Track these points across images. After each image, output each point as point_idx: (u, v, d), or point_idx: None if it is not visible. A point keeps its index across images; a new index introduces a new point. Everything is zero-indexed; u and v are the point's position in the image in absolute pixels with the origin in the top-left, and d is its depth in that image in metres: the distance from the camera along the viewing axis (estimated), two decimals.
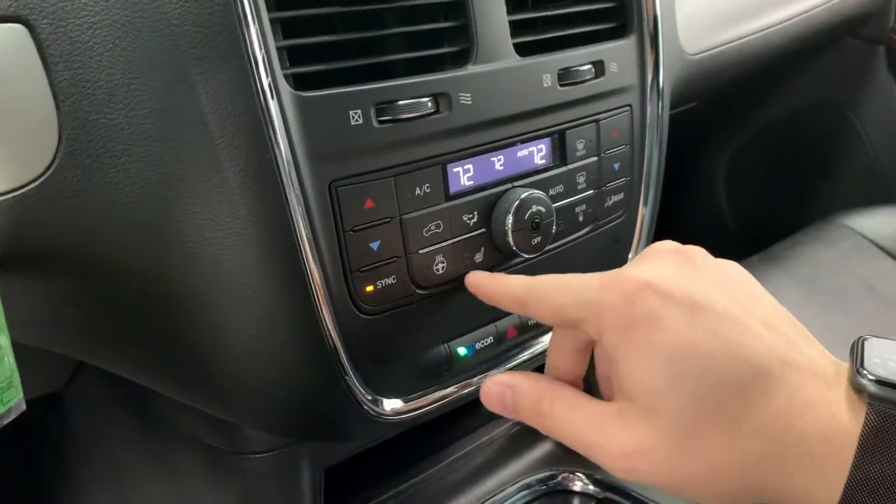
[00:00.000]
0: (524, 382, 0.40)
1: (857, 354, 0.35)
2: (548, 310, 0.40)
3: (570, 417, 0.37)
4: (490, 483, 0.69)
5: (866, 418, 0.32)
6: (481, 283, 0.47)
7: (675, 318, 0.35)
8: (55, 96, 0.38)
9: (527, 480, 0.71)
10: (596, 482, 0.70)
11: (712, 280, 0.37)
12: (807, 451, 0.32)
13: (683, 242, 0.41)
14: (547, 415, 0.38)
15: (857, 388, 0.33)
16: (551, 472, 0.71)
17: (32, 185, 0.38)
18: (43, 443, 0.81)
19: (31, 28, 0.37)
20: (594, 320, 0.37)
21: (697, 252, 0.40)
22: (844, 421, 0.32)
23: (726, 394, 0.33)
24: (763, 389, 0.33)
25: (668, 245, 0.40)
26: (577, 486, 0.71)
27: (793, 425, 0.33)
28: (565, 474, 0.71)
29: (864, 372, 0.33)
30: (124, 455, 0.72)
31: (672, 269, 0.37)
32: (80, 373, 0.74)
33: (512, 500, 0.69)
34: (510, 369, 0.57)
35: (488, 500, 0.68)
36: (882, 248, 1.11)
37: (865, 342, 0.36)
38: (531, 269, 0.55)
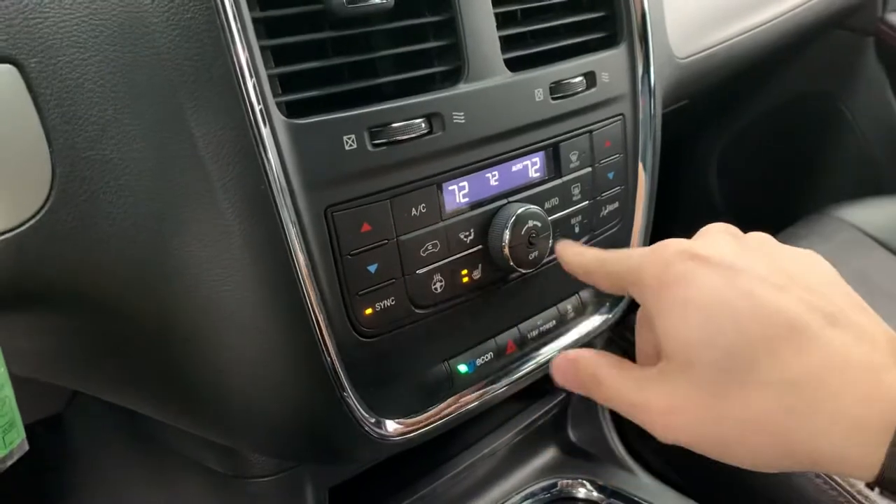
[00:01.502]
0: (583, 355, 0.42)
1: None
2: (606, 279, 0.43)
3: (618, 383, 0.39)
4: (494, 493, 0.70)
5: None
6: (563, 253, 0.48)
7: (708, 277, 0.36)
8: (47, 134, 0.38)
9: (531, 489, 0.71)
10: (600, 489, 0.71)
11: (759, 254, 0.38)
12: (841, 411, 0.32)
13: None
14: (601, 381, 0.40)
15: None
16: (554, 480, 0.72)
17: (27, 225, 0.38)
18: (44, 464, 0.81)
19: (20, 67, 0.37)
20: (636, 284, 0.39)
21: (757, 236, 0.40)
22: (891, 386, 0.32)
23: (758, 348, 0.33)
24: (797, 345, 0.33)
25: (721, 226, 0.41)
26: (581, 492, 0.71)
27: (827, 382, 0.32)
28: (568, 482, 0.72)
29: None
30: (126, 478, 0.72)
31: (717, 241, 0.39)
32: (79, 394, 0.74)
33: None
34: (512, 383, 0.57)
35: None
36: (876, 240, 1.11)
37: None
38: (529, 282, 0.55)
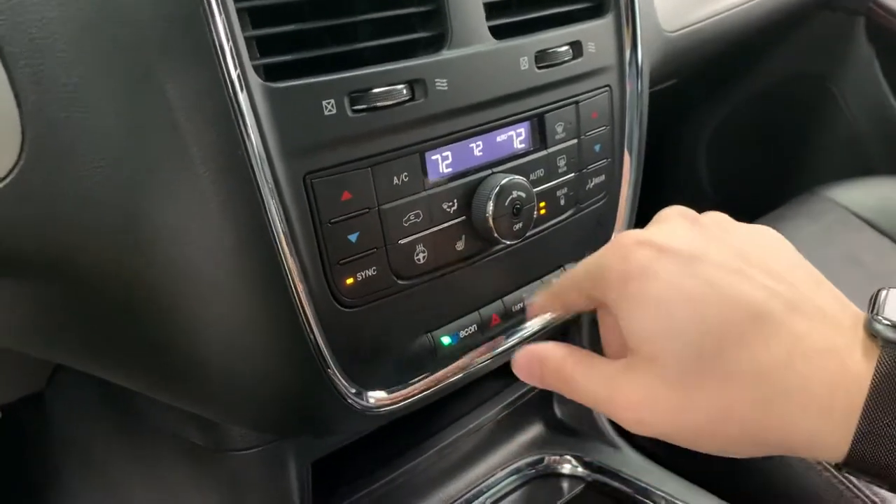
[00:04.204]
0: (549, 351, 0.41)
1: (874, 302, 0.34)
2: (576, 291, 0.41)
3: (587, 378, 0.38)
4: (479, 469, 0.69)
5: (878, 363, 0.31)
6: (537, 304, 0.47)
7: (669, 269, 0.35)
8: (16, 95, 0.37)
9: (516, 465, 0.71)
10: (585, 465, 0.71)
11: (718, 237, 0.37)
12: (811, 397, 0.32)
13: None
14: (569, 379, 0.39)
15: (872, 334, 0.33)
16: (540, 456, 0.72)
17: None
18: (26, 443, 0.81)
19: None
20: (599, 283, 0.38)
21: (712, 215, 0.40)
22: (854, 367, 0.32)
23: (722, 339, 0.33)
24: (762, 334, 0.33)
25: (675, 209, 0.40)
26: (566, 468, 0.71)
27: (795, 370, 0.32)
28: (554, 458, 0.72)
29: (880, 318, 0.33)
30: (109, 454, 0.72)
31: (674, 227, 0.38)
32: (60, 371, 0.73)
33: (501, 484, 0.69)
34: (496, 356, 0.57)
35: (478, 486, 0.68)
36: (864, 220, 1.12)
37: (887, 292, 0.35)
38: (514, 255, 0.55)
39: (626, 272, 0.36)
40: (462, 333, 0.53)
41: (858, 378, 0.31)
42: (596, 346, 0.43)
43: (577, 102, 0.56)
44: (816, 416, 0.32)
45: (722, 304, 0.34)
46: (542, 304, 0.46)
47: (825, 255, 1.05)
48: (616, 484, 0.69)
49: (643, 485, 0.68)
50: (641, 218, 0.67)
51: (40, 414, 0.77)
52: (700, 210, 0.40)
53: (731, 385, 0.33)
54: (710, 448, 0.35)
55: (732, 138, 1.50)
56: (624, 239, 0.37)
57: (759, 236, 0.38)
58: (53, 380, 0.74)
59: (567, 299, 0.43)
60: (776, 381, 0.32)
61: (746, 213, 1.20)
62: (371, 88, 0.44)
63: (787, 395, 0.32)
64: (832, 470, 0.67)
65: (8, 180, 0.38)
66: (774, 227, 1.12)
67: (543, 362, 0.41)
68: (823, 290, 0.36)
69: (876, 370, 0.31)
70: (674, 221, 0.39)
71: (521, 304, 0.57)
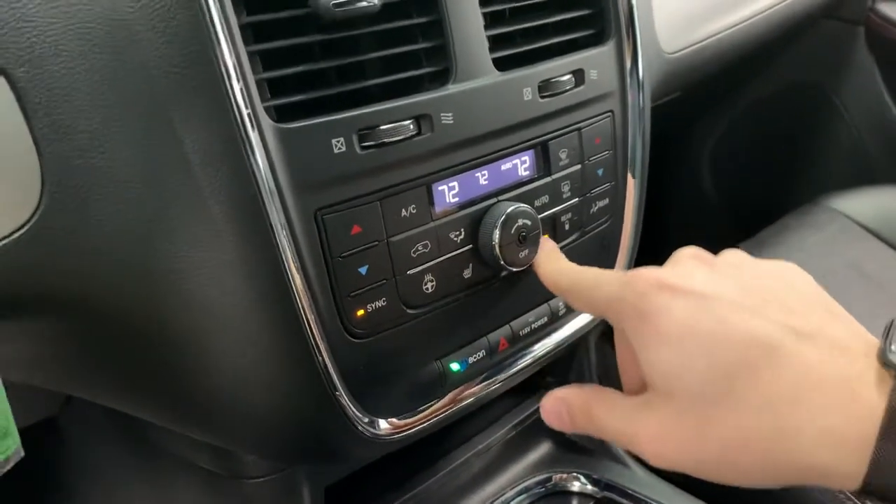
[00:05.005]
0: (572, 394, 0.43)
1: (889, 331, 0.35)
2: (581, 303, 0.44)
3: (611, 416, 0.40)
4: (489, 489, 0.70)
5: (892, 393, 0.32)
6: (538, 260, 0.52)
7: (682, 308, 0.36)
8: (36, 143, 0.38)
9: (525, 484, 0.71)
10: (594, 482, 0.71)
11: (732, 276, 0.38)
12: (823, 426, 0.33)
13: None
14: (594, 419, 0.41)
15: (884, 364, 0.33)
16: (549, 474, 0.72)
17: (18, 234, 0.38)
18: (41, 468, 0.81)
19: (8, 77, 0.37)
20: (615, 316, 0.40)
21: (726, 256, 0.41)
22: (867, 397, 0.32)
23: (733, 373, 0.34)
24: (772, 366, 0.34)
25: (690, 251, 0.42)
26: (576, 486, 0.72)
27: (805, 400, 0.33)
28: (563, 475, 0.72)
29: (894, 348, 0.33)
30: (123, 480, 0.72)
31: (689, 269, 0.39)
32: (74, 397, 0.74)
33: None
34: (505, 380, 0.58)
35: None
36: (868, 230, 1.12)
37: None
38: (520, 280, 0.56)
39: (643, 310, 0.37)
40: (471, 359, 0.54)
41: (871, 407, 0.32)
42: (601, 360, 0.44)
43: (579, 129, 0.57)
44: (829, 446, 0.33)
45: (732, 340, 0.35)
46: (547, 280, 0.48)
47: (828, 265, 1.05)
48: (625, 501, 0.69)
49: (652, 502, 0.68)
50: (646, 229, 0.68)
51: (54, 439, 0.78)
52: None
53: (743, 416, 0.34)
54: (726, 479, 0.36)
55: (735, 149, 1.51)
56: (642, 277, 0.39)
57: (775, 271, 0.39)
58: (68, 405, 0.75)
59: (569, 298, 0.45)
60: (786, 412, 0.33)
61: (750, 222, 1.21)
62: (379, 125, 0.45)
63: (799, 425, 0.33)
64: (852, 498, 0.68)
65: (29, 226, 0.39)
66: (778, 238, 1.12)
67: (569, 406, 0.42)
68: (837, 320, 0.36)
69: (889, 399, 0.32)
70: (688, 263, 0.40)
71: (529, 329, 0.58)
